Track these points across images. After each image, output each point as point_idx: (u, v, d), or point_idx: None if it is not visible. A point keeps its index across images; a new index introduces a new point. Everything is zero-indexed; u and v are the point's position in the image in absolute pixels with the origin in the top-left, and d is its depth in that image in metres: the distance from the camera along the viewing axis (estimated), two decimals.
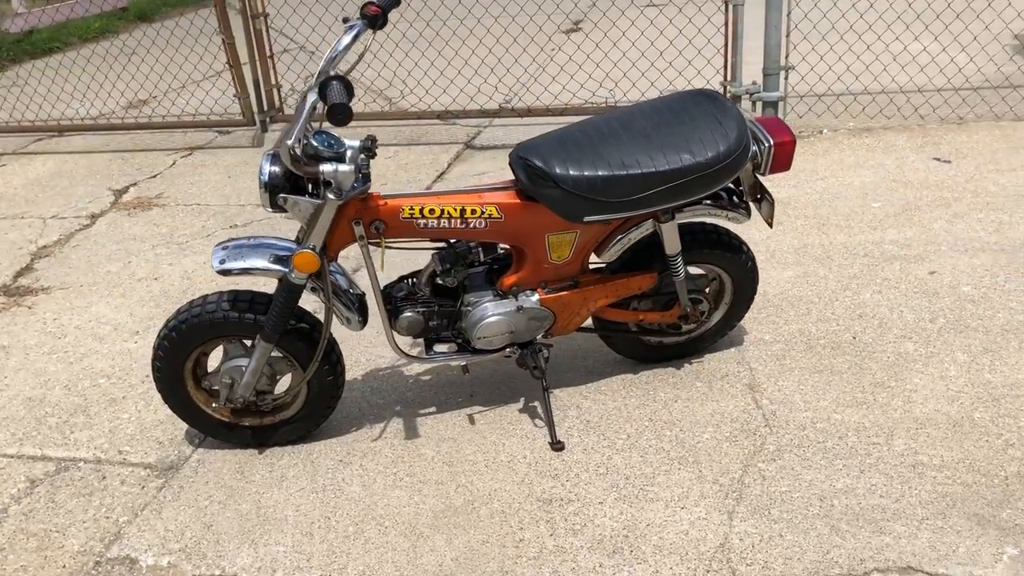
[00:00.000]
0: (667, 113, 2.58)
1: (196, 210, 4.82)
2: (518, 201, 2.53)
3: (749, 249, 2.89)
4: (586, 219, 2.53)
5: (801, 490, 2.44)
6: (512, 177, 2.61)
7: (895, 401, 2.76)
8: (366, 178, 2.35)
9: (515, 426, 2.82)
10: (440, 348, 2.80)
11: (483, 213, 2.51)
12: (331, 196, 2.35)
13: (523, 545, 2.34)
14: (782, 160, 2.62)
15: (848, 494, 2.41)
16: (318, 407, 2.77)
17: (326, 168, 2.30)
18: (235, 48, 5.54)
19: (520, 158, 2.50)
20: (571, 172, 2.45)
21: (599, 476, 2.57)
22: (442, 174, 5.06)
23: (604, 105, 5.41)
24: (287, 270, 2.49)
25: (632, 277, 2.75)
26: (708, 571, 2.21)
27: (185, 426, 2.94)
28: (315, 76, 2.29)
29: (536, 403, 2.92)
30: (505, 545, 2.35)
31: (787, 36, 4.99)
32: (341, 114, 2.07)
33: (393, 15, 8.33)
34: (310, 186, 2.42)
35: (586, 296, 2.72)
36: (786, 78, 5.08)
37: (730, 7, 4.99)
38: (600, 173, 2.45)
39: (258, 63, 5.52)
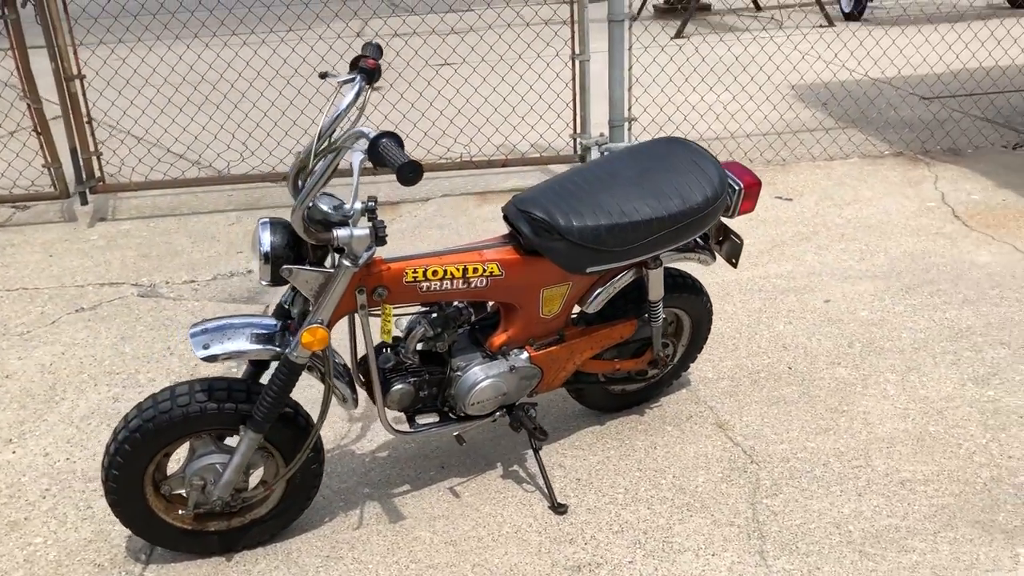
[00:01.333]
0: (648, 160, 2.59)
1: (25, 295, 4.22)
2: (518, 256, 2.43)
3: (706, 290, 2.95)
4: (588, 270, 2.47)
5: (815, 520, 2.49)
6: (503, 233, 2.51)
7: (855, 424, 2.91)
8: (381, 241, 2.16)
9: (504, 494, 2.67)
10: (423, 419, 2.61)
11: (484, 271, 2.38)
12: (347, 263, 2.13)
13: None
14: (749, 202, 2.71)
15: (858, 518, 2.49)
16: (296, 501, 2.48)
17: (341, 233, 2.09)
18: (43, 113, 4.96)
19: (522, 211, 2.40)
20: (575, 223, 2.39)
21: (616, 535, 2.48)
22: None
23: (459, 160, 5.37)
24: (283, 349, 2.22)
25: (614, 326, 2.72)
26: None
27: (123, 539, 2.52)
28: (319, 138, 2.08)
29: (516, 466, 2.79)
30: None
31: (629, 90, 5.21)
32: (413, 172, 1.89)
33: (193, 78, 7.84)
34: (310, 255, 2.19)
35: (572, 350, 2.65)
36: (629, 129, 5.30)
37: (577, 63, 5.15)
38: (603, 223, 2.41)
39: (74, 129, 4.97)
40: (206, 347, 2.18)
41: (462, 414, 2.57)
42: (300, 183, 2.17)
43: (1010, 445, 2.76)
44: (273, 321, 2.30)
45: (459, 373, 2.51)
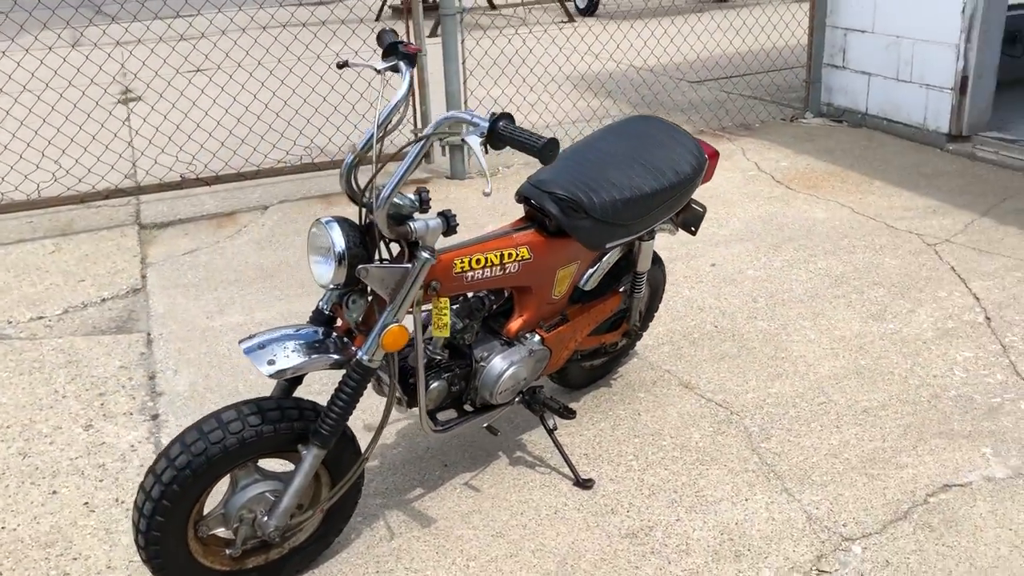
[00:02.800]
0: (633, 138, 2.68)
1: None
2: (543, 238, 2.42)
3: (661, 259, 3.10)
4: (607, 245, 2.51)
5: (813, 455, 2.72)
6: (521, 217, 2.49)
7: (799, 368, 3.19)
8: (452, 231, 2.07)
9: (524, 480, 2.65)
10: (443, 415, 2.52)
11: (517, 256, 2.36)
12: (426, 255, 2.02)
13: None
14: (711, 172, 2.88)
15: (848, 447, 2.75)
16: (336, 522, 2.31)
17: (417, 226, 1.99)
18: None
19: (546, 192, 2.40)
20: (596, 200, 2.42)
21: (650, 498, 2.56)
22: (145, 260, 4.36)
23: (300, 163, 5.13)
24: (341, 356, 2.07)
25: (606, 301, 2.78)
26: (824, 540, 2.37)
27: None
28: (378, 128, 1.97)
29: (519, 452, 2.77)
30: None
31: (464, 83, 5.26)
32: (553, 150, 1.83)
33: None
34: (380, 252, 2.06)
35: (575, 328, 2.68)
36: None
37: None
38: (618, 197, 2.47)
39: None
40: (271, 363, 1.99)
41: (483, 404, 2.52)
42: (355, 179, 2.04)
43: (929, 367, 3.16)
44: (314, 329, 2.14)
45: (483, 364, 2.45)
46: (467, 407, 2.54)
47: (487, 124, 1.90)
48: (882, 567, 2.27)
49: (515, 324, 2.52)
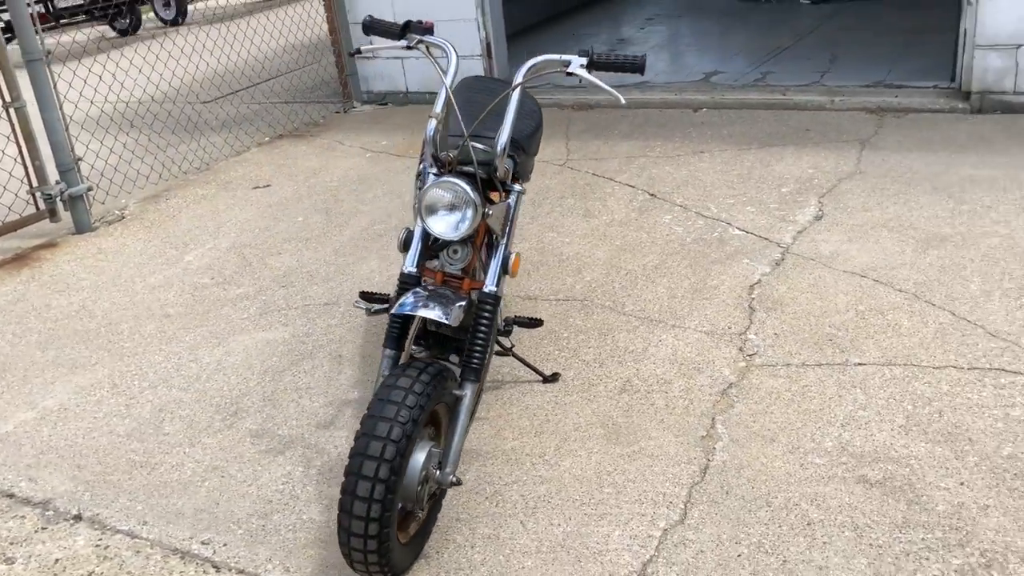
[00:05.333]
0: (487, 91, 3.12)
1: None
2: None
3: None
4: (530, 177, 2.96)
5: (789, 318, 3.53)
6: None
7: (680, 310, 3.96)
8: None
9: (529, 425, 2.98)
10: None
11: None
12: (519, 188, 2.32)
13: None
14: None
15: (760, 286, 3.62)
16: (439, 500, 2.43)
17: (510, 165, 2.29)
18: None
19: (485, 137, 2.77)
20: (516, 137, 2.85)
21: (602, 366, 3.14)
22: None
23: None
24: (464, 298, 2.28)
25: None
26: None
27: None
28: (447, 90, 2.24)
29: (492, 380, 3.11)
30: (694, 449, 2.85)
31: (67, 130, 4.86)
32: (644, 63, 2.23)
33: None
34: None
35: None
36: (79, 171, 4.94)
37: (11, 111, 4.57)
38: (527, 133, 2.94)
39: None
40: (446, 315, 2.15)
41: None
42: (437, 142, 2.26)
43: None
44: (429, 286, 2.31)
45: None
46: None
47: (580, 57, 2.29)
48: None
49: None
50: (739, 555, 2.28)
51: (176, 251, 4.56)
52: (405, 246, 2.45)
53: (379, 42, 2.49)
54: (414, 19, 2.46)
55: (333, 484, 2.72)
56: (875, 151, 4.76)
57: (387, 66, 6.79)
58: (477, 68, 6.44)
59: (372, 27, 2.47)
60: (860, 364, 2.97)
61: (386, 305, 3.00)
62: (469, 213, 2.24)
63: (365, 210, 4.81)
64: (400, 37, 2.44)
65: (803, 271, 3.61)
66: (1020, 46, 4.93)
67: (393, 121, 6.43)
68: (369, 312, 2.94)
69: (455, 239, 2.28)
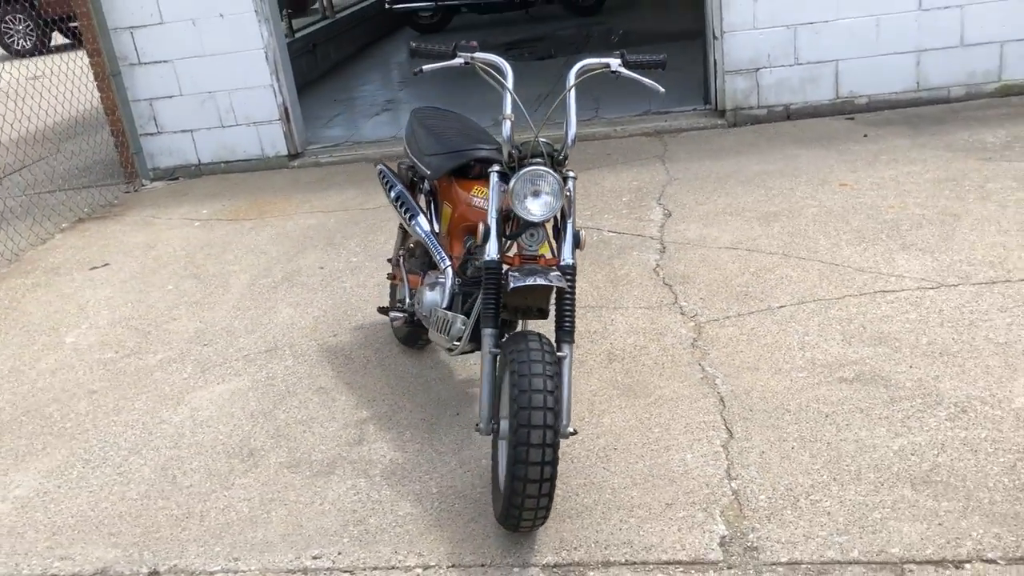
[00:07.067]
0: (445, 119, 3.43)
1: None
2: None
3: None
4: None
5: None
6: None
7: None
8: None
9: None
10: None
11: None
12: (573, 174, 2.69)
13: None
14: None
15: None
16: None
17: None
18: None
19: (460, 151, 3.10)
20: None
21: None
22: None
23: None
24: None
25: None
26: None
27: None
28: (510, 100, 2.60)
29: None
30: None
31: None
32: (664, 61, 2.68)
33: None
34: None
35: None
36: None
37: None
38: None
39: None
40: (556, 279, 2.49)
41: None
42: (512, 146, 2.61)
43: None
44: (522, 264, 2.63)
45: None
46: None
47: (615, 58, 2.71)
48: None
49: None
50: (792, 447, 2.80)
51: (48, 336, 4.27)
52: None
53: (429, 64, 2.75)
54: (461, 42, 2.76)
55: (408, 484, 2.86)
56: (675, 162, 5.62)
57: (174, 140, 6.67)
58: (276, 132, 6.55)
59: (419, 52, 2.73)
60: (781, 307, 3.65)
61: (406, 313, 3.23)
62: (559, 197, 2.58)
63: (235, 270, 4.80)
64: (452, 57, 2.73)
65: (687, 252, 4.26)
66: (758, 69, 6.08)
67: (200, 192, 6.34)
68: (405, 322, 3.18)
69: (547, 219, 2.61)
